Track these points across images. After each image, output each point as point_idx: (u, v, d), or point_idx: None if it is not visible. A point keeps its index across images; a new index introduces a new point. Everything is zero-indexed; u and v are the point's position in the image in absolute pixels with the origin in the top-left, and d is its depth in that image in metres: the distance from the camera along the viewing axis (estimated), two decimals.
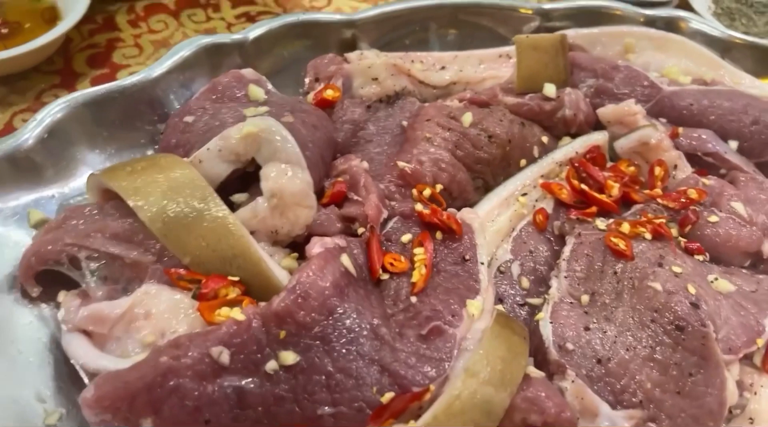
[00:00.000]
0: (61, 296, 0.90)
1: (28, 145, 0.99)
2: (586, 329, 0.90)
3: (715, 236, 1.03)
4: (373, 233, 0.95)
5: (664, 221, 1.03)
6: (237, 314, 0.81)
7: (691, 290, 0.89)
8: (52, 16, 1.38)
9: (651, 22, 1.39)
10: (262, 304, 0.84)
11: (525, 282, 1.01)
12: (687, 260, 0.98)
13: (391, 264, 0.92)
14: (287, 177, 0.92)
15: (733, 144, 1.21)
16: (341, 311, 0.82)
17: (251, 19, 1.55)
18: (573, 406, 0.81)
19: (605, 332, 0.89)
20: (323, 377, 0.78)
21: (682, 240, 1.02)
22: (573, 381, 0.83)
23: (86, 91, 1.05)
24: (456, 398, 0.71)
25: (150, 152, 1.12)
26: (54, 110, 1.02)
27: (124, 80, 1.08)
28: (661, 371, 0.86)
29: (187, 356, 0.76)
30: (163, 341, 0.84)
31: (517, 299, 0.99)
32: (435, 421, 0.70)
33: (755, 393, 0.90)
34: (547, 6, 1.39)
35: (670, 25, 1.39)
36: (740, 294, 0.96)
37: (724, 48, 1.38)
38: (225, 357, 0.77)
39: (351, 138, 1.15)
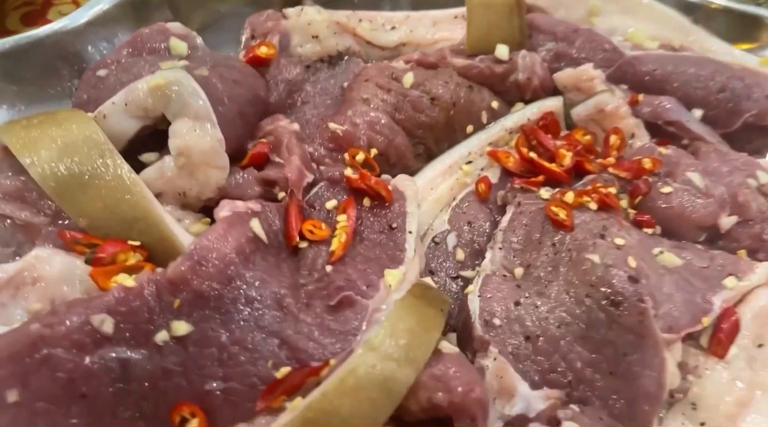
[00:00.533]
0: None
1: None
2: (517, 303, 0.82)
3: (667, 207, 0.96)
4: (292, 197, 0.87)
5: (613, 190, 0.96)
6: (128, 280, 0.74)
7: (632, 263, 0.82)
8: None
9: None
10: (159, 270, 0.77)
11: (460, 254, 0.94)
12: (633, 232, 0.90)
13: (311, 231, 0.85)
14: (196, 134, 0.85)
15: (698, 113, 1.13)
16: (243, 280, 0.76)
17: None
18: (491, 386, 0.74)
19: (537, 306, 0.82)
20: (216, 350, 0.71)
21: (632, 212, 0.95)
22: (495, 359, 0.76)
23: None
24: (350, 373, 0.64)
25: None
26: None
27: (38, 32, 1.00)
28: (594, 349, 0.79)
29: (62, 324, 0.69)
30: None
31: (450, 271, 0.92)
32: (324, 398, 0.63)
33: (699, 376, 0.82)
34: None
35: None
36: (689, 269, 0.89)
37: (697, 12, 1.29)
38: (108, 326, 0.70)
39: (286, 99, 1.08)
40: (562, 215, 0.88)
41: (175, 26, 1.06)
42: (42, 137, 0.82)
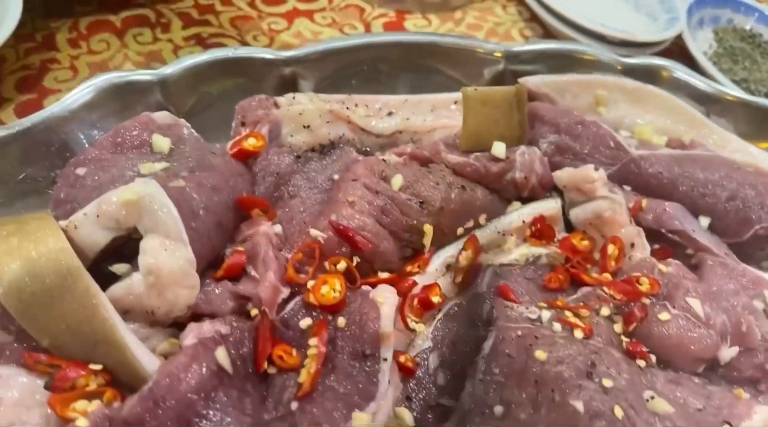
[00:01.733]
0: None
1: None
2: None
3: (664, 337, 0.90)
4: (263, 319, 0.84)
5: (606, 311, 0.92)
6: (81, 419, 0.71)
7: (618, 413, 0.76)
8: None
9: (629, 70, 1.25)
10: (117, 404, 0.74)
11: (441, 378, 0.89)
12: (624, 367, 0.84)
13: (280, 358, 0.82)
14: (166, 253, 0.81)
15: (705, 221, 1.07)
16: (202, 421, 0.72)
17: (202, 41, 1.44)
18: None
19: None
20: None
21: (625, 339, 0.90)
22: None
23: None
24: None
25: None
26: None
27: (20, 123, 0.99)
28: None
29: None
30: None
31: (429, 399, 0.88)
32: None
33: None
34: (516, 48, 1.25)
35: (651, 75, 1.25)
36: (682, 416, 0.83)
37: (711, 104, 1.23)
38: None
39: (273, 192, 1.04)
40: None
41: (162, 116, 1.03)
42: (9, 252, 0.79)
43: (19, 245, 0.80)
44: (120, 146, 0.97)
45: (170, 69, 1.10)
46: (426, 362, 0.90)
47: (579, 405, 0.77)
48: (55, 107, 1.02)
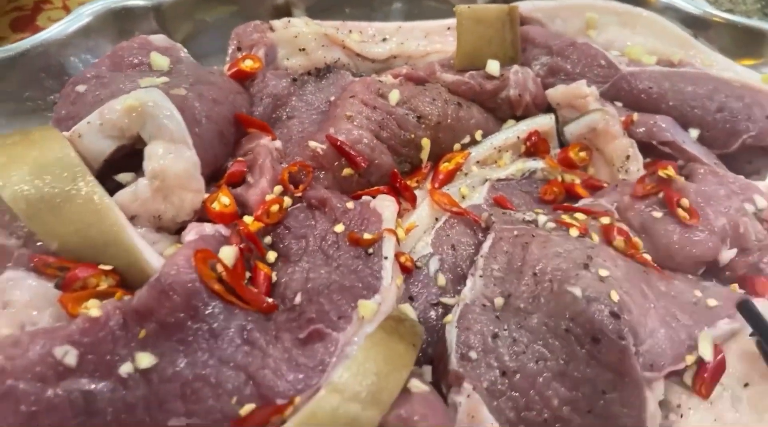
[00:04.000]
0: None
1: None
2: (495, 336, 0.80)
3: (669, 241, 0.92)
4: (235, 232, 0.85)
5: (606, 219, 0.94)
6: (93, 309, 0.73)
7: (614, 296, 0.79)
8: None
9: None
10: (127, 298, 0.75)
11: (441, 280, 0.91)
12: (620, 261, 0.87)
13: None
14: (171, 157, 0.83)
15: (694, 133, 1.10)
16: (208, 310, 0.74)
17: None
18: (461, 424, 0.72)
19: (515, 340, 0.80)
20: (179, 385, 0.70)
21: (620, 241, 0.92)
22: (468, 395, 0.74)
23: None
24: (312, 415, 0.63)
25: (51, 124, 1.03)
26: None
27: (20, 44, 0.99)
28: (573, 387, 0.76)
29: (24, 357, 0.68)
30: None
31: (431, 297, 0.90)
32: None
33: (682, 415, 0.80)
34: None
35: (639, 0, 1.26)
36: (676, 303, 0.86)
37: (698, 26, 1.25)
38: (71, 358, 0.69)
39: (271, 113, 1.06)
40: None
41: (159, 38, 1.04)
42: (14, 159, 0.81)
43: (25, 152, 0.82)
44: (119, 65, 0.98)
45: None
46: (427, 267, 0.93)
47: (576, 291, 0.80)
48: (51, 31, 1.02)
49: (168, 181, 0.83)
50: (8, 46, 0.99)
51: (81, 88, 0.94)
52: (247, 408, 0.68)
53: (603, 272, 0.83)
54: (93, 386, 0.69)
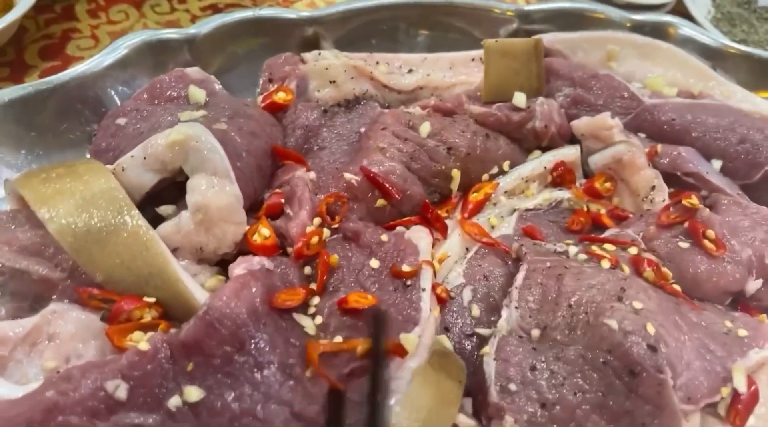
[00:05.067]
0: None
1: None
2: (533, 368, 0.82)
3: (696, 271, 0.94)
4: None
5: (634, 250, 0.96)
6: (142, 343, 0.74)
7: (650, 329, 0.81)
8: (7, 5, 1.31)
9: (638, 27, 1.29)
10: (173, 331, 0.77)
11: (476, 310, 0.92)
12: (652, 293, 0.89)
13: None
14: (214, 190, 0.84)
15: (717, 164, 1.12)
16: (254, 344, 0.75)
17: (218, 11, 1.47)
18: None
19: (553, 372, 0.81)
20: (227, 419, 0.71)
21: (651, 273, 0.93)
22: None
23: (14, 89, 0.98)
24: None
25: (88, 155, 1.04)
26: None
27: (58, 77, 1.01)
28: (612, 419, 0.78)
29: (76, 391, 0.69)
30: (66, 367, 0.77)
31: (466, 328, 0.91)
32: None
33: None
34: (528, 7, 1.30)
35: (658, 32, 1.29)
36: (709, 333, 0.87)
37: (716, 58, 1.28)
38: (122, 392, 0.70)
39: (303, 144, 1.07)
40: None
41: (194, 71, 1.06)
42: (60, 192, 0.83)
43: (71, 185, 0.84)
44: (157, 98, 1.00)
45: (199, 29, 1.13)
46: (460, 297, 0.94)
47: (613, 323, 0.81)
48: (89, 63, 1.04)
49: (211, 214, 0.84)
50: (47, 79, 1.01)
51: (121, 121, 0.96)
52: None
53: (637, 305, 0.84)
54: (143, 419, 0.70)
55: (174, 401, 0.71)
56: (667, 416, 0.77)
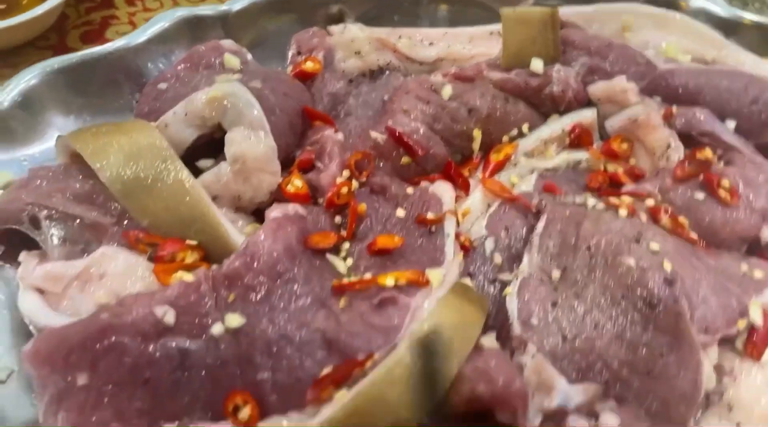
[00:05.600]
0: (22, 255, 0.90)
1: (2, 109, 1.00)
2: (554, 304, 0.85)
3: (711, 217, 0.98)
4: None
5: (651, 201, 0.99)
6: (187, 275, 0.79)
7: (667, 266, 0.84)
8: None
9: (651, 0, 1.33)
10: (215, 266, 0.82)
11: (498, 258, 0.96)
12: (669, 238, 0.92)
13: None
14: (250, 142, 0.90)
15: (731, 124, 1.15)
16: (289, 276, 0.81)
17: None
18: (530, 381, 0.76)
19: (574, 308, 0.85)
20: (264, 344, 0.76)
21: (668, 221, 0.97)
22: (533, 356, 0.79)
23: (62, 58, 1.05)
24: (397, 363, 0.68)
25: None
26: (29, 76, 1.02)
27: (102, 48, 1.08)
28: (631, 350, 0.81)
29: (129, 314, 0.74)
30: None
31: (488, 275, 0.95)
32: (373, 386, 0.66)
33: (735, 379, 0.84)
34: None
35: (671, 4, 1.33)
36: (725, 275, 0.91)
37: (728, 28, 1.31)
38: (170, 317, 0.75)
39: (330, 111, 1.13)
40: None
41: (228, 43, 1.13)
42: (110, 144, 0.89)
43: (120, 139, 0.90)
44: (195, 66, 1.07)
45: (231, 5, 1.20)
46: (483, 247, 0.98)
47: (630, 261, 0.85)
48: (130, 37, 1.11)
49: (248, 163, 0.90)
50: (92, 49, 1.08)
51: (162, 85, 1.03)
52: (329, 365, 0.74)
53: (654, 246, 0.88)
54: (188, 343, 0.76)
55: (217, 328, 0.76)
56: (685, 346, 0.80)
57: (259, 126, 0.90)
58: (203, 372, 0.75)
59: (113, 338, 0.73)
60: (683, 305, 0.81)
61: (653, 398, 0.79)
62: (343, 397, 0.67)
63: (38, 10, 1.27)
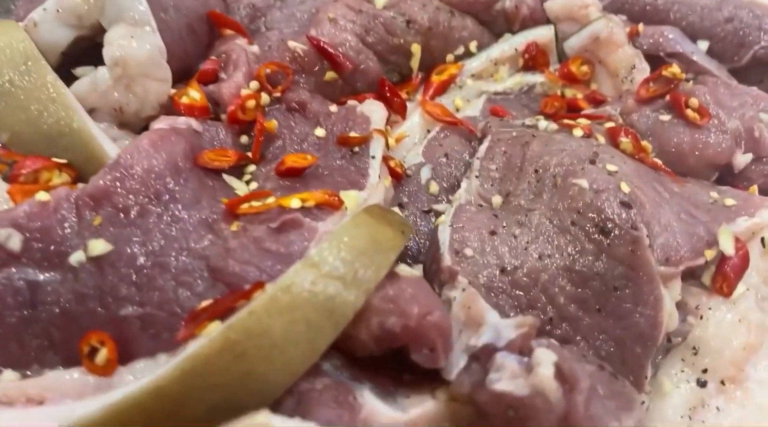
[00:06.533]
0: None
1: None
2: (493, 233, 0.72)
3: (678, 142, 0.85)
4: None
5: (611, 124, 0.87)
6: (42, 193, 0.65)
7: (625, 188, 0.72)
8: None
9: None
10: (81, 185, 0.68)
11: (434, 187, 0.83)
12: (628, 160, 0.80)
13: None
14: (133, 41, 0.75)
15: (703, 45, 1.03)
16: (171, 196, 0.66)
17: None
18: (457, 317, 0.63)
19: (515, 236, 0.72)
20: (133, 272, 0.61)
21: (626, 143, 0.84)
22: (464, 289, 0.66)
23: None
24: (284, 290, 0.54)
25: None
26: None
27: None
28: (580, 283, 0.69)
29: None
30: None
31: (422, 205, 0.82)
32: (250, 317, 0.53)
33: (701, 318, 0.72)
34: None
35: None
36: (691, 201, 0.78)
37: None
38: (15, 242, 0.61)
39: (249, 25, 0.98)
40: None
41: None
42: None
43: None
44: None
45: None
46: (418, 175, 0.85)
47: (583, 182, 0.72)
48: None
49: (130, 68, 0.75)
50: None
51: None
52: (210, 298, 0.60)
53: (611, 167, 0.75)
54: (39, 275, 0.62)
55: (77, 257, 0.62)
56: (643, 279, 0.67)
57: (144, 22, 0.75)
58: (57, 310, 0.61)
59: None
60: (641, 230, 0.68)
61: (605, 338, 0.67)
62: (214, 329, 0.53)
63: None
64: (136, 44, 0.75)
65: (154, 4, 0.77)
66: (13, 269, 0.61)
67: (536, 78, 1.00)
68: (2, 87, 0.72)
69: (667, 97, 0.89)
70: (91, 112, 0.76)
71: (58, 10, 0.77)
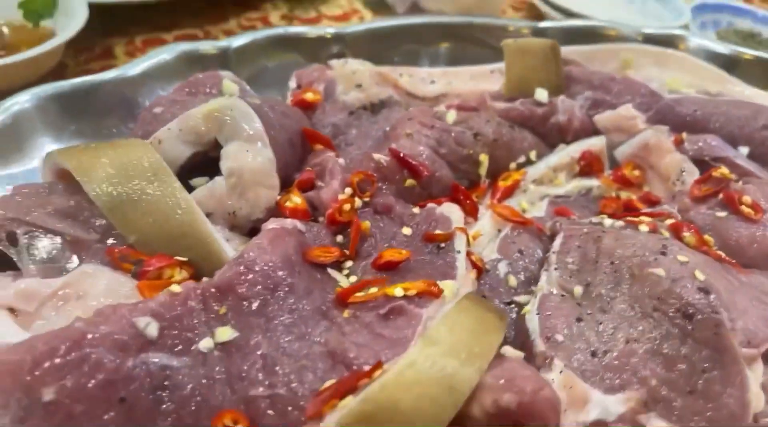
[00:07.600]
0: None
1: None
2: (579, 320, 0.78)
3: (737, 236, 0.92)
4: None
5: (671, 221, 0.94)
6: (174, 286, 0.72)
7: (700, 275, 0.77)
8: (44, 36, 1.40)
9: (649, 40, 1.35)
10: (205, 279, 0.75)
11: (512, 281, 0.89)
12: (696, 252, 0.86)
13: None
14: (247, 154, 0.86)
15: (744, 150, 1.12)
16: (287, 288, 0.73)
17: None
18: (561, 398, 0.67)
19: (601, 323, 0.77)
20: (260, 358, 0.67)
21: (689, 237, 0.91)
22: (561, 371, 0.70)
23: (57, 84, 1.03)
24: (409, 366, 0.59)
25: None
26: (22, 99, 0.99)
27: (97, 77, 1.06)
28: (668, 366, 0.72)
29: (106, 323, 0.66)
30: None
31: (503, 297, 0.87)
32: (382, 390, 0.57)
33: None
34: (542, 24, 1.36)
35: (669, 44, 1.34)
36: (760, 289, 0.83)
37: (729, 64, 1.32)
38: (152, 329, 0.67)
39: (333, 140, 1.10)
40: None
41: (227, 73, 1.11)
42: (98, 157, 0.84)
43: (110, 153, 0.85)
44: (193, 91, 1.04)
45: (230, 42, 1.20)
46: (496, 269, 0.91)
47: (659, 271, 0.78)
48: (126, 68, 1.10)
49: (245, 177, 0.85)
50: (86, 77, 1.06)
51: (158, 109, 0.99)
52: (331, 380, 0.65)
53: (682, 258, 0.81)
54: (172, 359, 0.67)
55: (205, 343, 0.68)
56: (728, 360, 0.71)
57: (258, 138, 0.86)
58: (188, 391, 0.66)
59: (86, 350, 0.64)
60: (722, 314, 0.73)
61: (698, 420, 0.70)
62: (348, 403, 0.58)
63: (36, 51, 1.26)
64: (251, 157, 0.85)
65: (265, 124, 0.89)
66: (150, 354, 0.67)
67: (592, 182, 1.09)
68: (133, 194, 0.81)
69: (720, 196, 0.97)
70: (207, 216, 0.84)
71: (180, 130, 0.89)
